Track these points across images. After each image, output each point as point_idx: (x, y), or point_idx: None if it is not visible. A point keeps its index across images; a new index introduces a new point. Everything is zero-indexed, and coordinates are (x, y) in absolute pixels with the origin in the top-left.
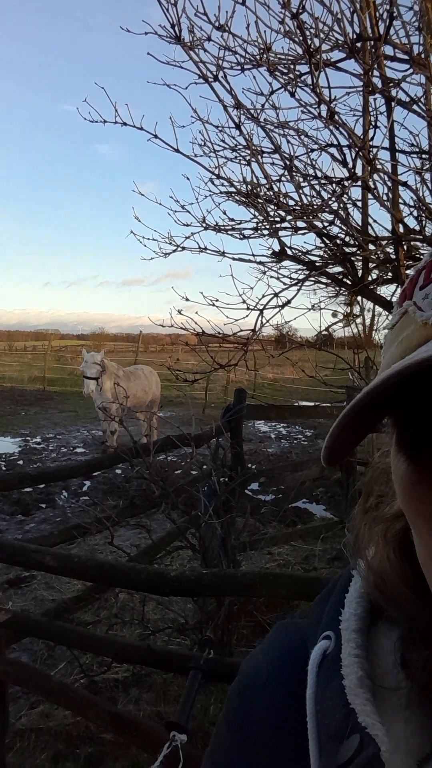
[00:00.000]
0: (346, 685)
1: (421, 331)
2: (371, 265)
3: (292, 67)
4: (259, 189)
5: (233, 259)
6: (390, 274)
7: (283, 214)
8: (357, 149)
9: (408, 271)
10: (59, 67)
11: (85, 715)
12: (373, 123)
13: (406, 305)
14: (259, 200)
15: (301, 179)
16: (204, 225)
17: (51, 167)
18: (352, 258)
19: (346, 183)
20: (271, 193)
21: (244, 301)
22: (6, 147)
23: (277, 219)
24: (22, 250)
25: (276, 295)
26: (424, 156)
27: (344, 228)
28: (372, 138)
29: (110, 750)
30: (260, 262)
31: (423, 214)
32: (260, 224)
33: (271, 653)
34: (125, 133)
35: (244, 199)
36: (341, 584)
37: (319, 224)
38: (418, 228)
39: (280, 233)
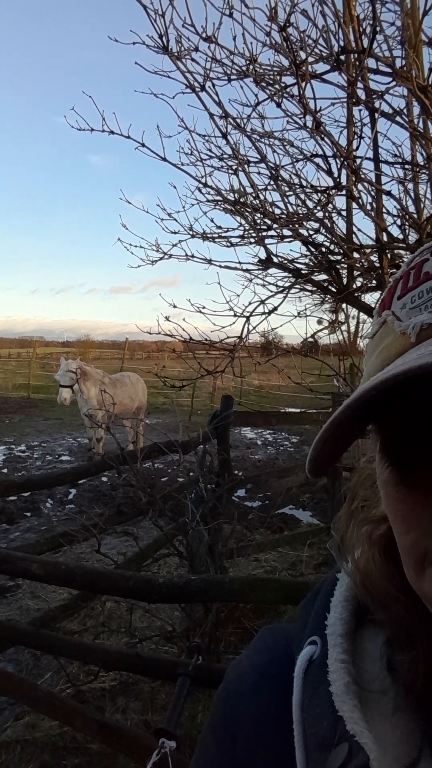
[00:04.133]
0: (334, 692)
1: (399, 341)
2: (356, 272)
3: (278, 78)
4: (245, 198)
5: (220, 266)
6: (374, 281)
7: (269, 222)
8: (342, 159)
9: (392, 279)
10: (53, 79)
11: (72, 725)
12: (357, 134)
13: (385, 315)
14: (246, 209)
15: (286, 188)
16: (191, 233)
17: (42, 176)
18: (337, 266)
19: (331, 192)
20: (258, 201)
21: (231, 308)
22: None
23: (264, 227)
24: (10, 257)
25: (262, 302)
26: (407, 166)
27: (329, 236)
28: (356, 148)
29: (97, 760)
30: (247, 270)
31: (406, 223)
32: (247, 232)
33: (257, 659)
34: (117, 144)
35: (230, 208)
36: (326, 588)
37: (304, 232)
38: (401, 237)
39: (267, 241)
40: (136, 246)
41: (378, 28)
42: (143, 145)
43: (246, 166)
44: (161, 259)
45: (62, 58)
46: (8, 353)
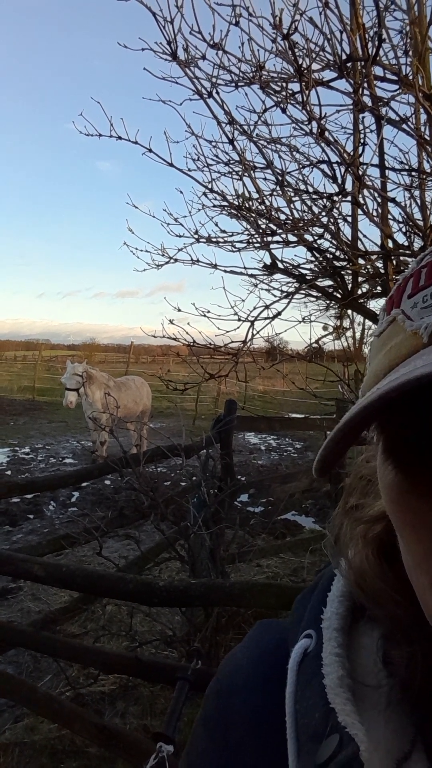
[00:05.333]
0: (327, 684)
1: (410, 340)
2: (361, 279)
3: (284, 85)
4: (251, 203)
5: (225, 271)
6: (379, 288)
7: (274, 227)
8: (347, 166)
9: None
10: (62, 87)
11: (72, 728)
12: (362, 140)
13: (395, 313)
14: (251, 214)
15: (292, 194)
16: (197, 237)
17: (51, 182)
18: (342, 272)
19: (336, 198)
20: (263, 207)
21: (235, 313)
22: (8, 161)
23: (269, 232)
24: (18, 261)
25: (267, 307)
26: (413, 174)
27: (334, 242)
28: (361, 155)
29: (96, 764)
30: (252, 275)
31: (411, 230)
32: (252, 237)
33: (251, 652)
34: (125, 151)
35: (236, 213)
36: (323, 583)
37: (309, 238)
38: (406, 243)
39: (272, 246)
40: (142, 250)
41: (384, 36)
42: (150, 150)
43: (252, 172)
44: (167, 263)
45: (72, 65)
46: (14, 356)
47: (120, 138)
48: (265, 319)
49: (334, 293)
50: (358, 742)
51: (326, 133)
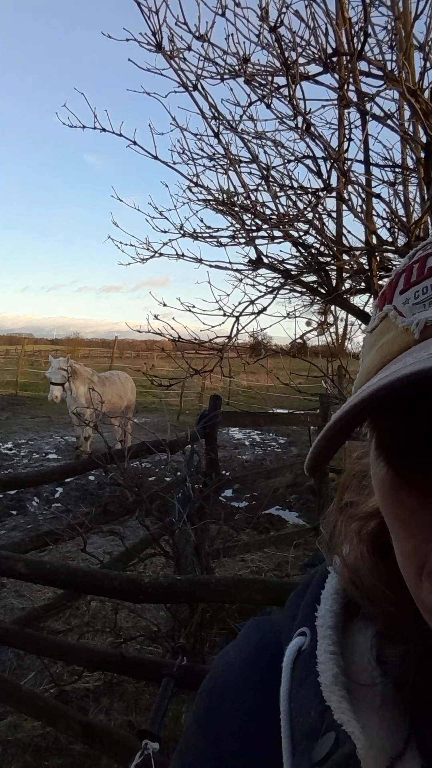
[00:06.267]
0: (322, 682)
1: (402, 336)
2: (345, 275)
3: (269, 79)
4: (236, 197)
5: (210, 266)
6: (363, 284)
7: (259, 222)
8: (332, 161)
9: (381, 282)
10: (48, 77)
11: (55, 725)
12: (347, 136)
13: (387, 309)
14: (237, 209)
15: (277, 189)
16: (182, 232)
17: (37, 174)
18: (327, 267)
19: (321, 194)
20: (248, 201)
21: (220, 308)
22: None
23: (254, 228)
24: (2, 254)
25: (252, 302)
26: (396, 170)
27: (319, 238)
28: (347, 150)
29: (80, 761)
30: (237, 270)
31: (395, 227)
32: (237, 232)
33: (244, 650)
34: (113, 144)
35: (221, 208)
36: (317, 581)
37: (294, 233)
38: (390, 240)
39: (257, 241)
40: (127, 244)
41: (370, 31)
42: (135, 143)
43: (237, 166)
44: (152, 257)
45: (58, 56)
46: None
47: (104, 130)
48: (251, 314)
49: (319, 289)
50: (354, 740)
51: (312, 128)
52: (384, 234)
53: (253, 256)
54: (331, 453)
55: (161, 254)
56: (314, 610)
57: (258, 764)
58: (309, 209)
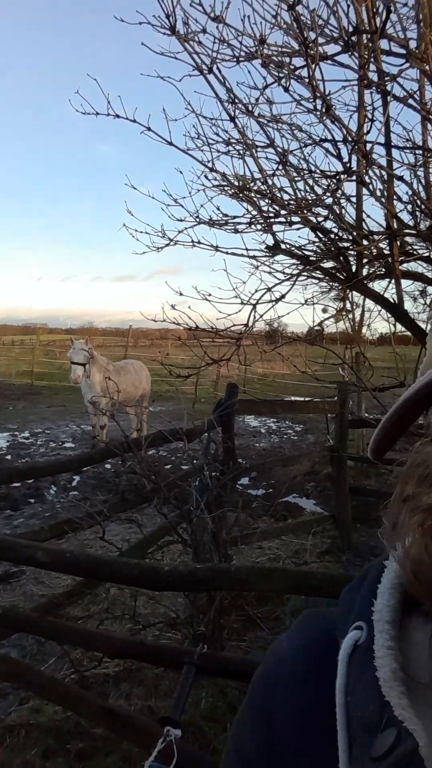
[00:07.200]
0: (380, 677)
1: None
2: (365, 260)
3: (287, 60)
4: (253, 183)
5: (226, 253)
6: (383, 269)
7: (277, 208)
8: (352, 144)
9: (402, 267)
10: (62, 66)
11: (77, 711)
12: (368, 117)
13: None
14: (253, 194)
15: (295, 173)
16: (197, 219)
17: (52, 165)
18: (346, 253)
19: (340, 177)
20: (265, 187)
21: (237, 296)
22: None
23: (271, 214)
24: (16, 245)
25: (269, 289)
26: (417, 152)
27: (338, 223)
28: (368, 132)
29: (101, 745)
30: (253, 257)
31: (417, 210)
32: (254, 219)
33: (298, 640)
34: (125, 133)
35: (237, 194)
36: (372, 575)
37: (313, 219)
38: (412, 223)
39: (275, 227)
40: (141, 232)
41: (392, 7)
42: (149, 129)
43: (254, 151)
44: (167, 245)
45: (72, 44)
46: (11, 340)
47: (117, 116)
48: (268, 302)
49: (338, 275)
50: (416, 737)
51: (332, 110)
52: (405, 217)
53: (271, 242)
54: (396, 436)
55: (177, 242)
56: (371, 605)
57: (311, 754)
58: (328, 194)
